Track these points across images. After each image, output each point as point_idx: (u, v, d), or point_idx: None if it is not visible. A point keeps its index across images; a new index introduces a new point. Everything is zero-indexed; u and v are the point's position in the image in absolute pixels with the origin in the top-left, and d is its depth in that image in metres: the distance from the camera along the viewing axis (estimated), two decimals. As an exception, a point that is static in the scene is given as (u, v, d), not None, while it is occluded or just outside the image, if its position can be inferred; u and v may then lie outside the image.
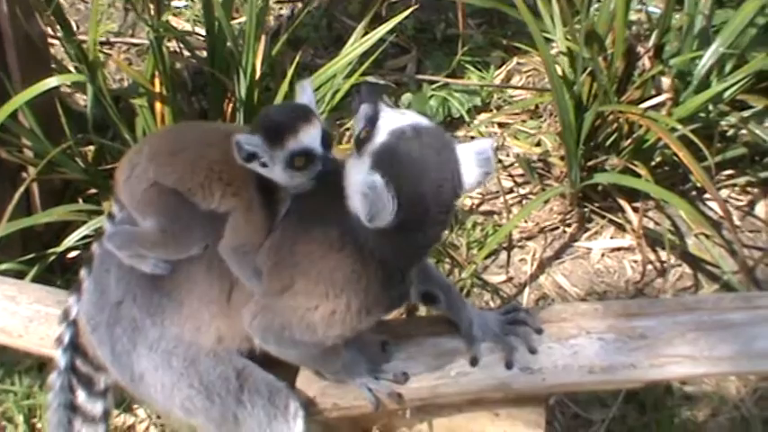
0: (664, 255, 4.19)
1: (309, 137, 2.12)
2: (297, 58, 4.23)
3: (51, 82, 3.68)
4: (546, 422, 2.59)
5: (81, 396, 2.57)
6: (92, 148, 4.19)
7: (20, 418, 3.74)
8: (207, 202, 2.25)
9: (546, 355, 2.45)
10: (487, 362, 2.45)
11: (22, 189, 3.61)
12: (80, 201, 4.03)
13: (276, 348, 2.29)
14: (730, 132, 4.40)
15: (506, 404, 2.54)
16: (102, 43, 5.02)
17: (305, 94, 2.23)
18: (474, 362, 2.45)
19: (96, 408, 2.59)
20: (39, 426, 3.75)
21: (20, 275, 3.57)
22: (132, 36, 5.21)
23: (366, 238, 2.09)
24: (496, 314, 2.57)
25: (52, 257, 3.87)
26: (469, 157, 2.04)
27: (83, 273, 2.54)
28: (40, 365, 3.79)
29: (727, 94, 4.16)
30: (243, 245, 2.22)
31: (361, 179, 1.97)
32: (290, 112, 2.18)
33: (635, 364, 2.43)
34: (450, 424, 2.57)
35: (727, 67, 4.21)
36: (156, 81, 3.92)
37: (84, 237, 3.76)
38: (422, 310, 3.29)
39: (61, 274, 3.95)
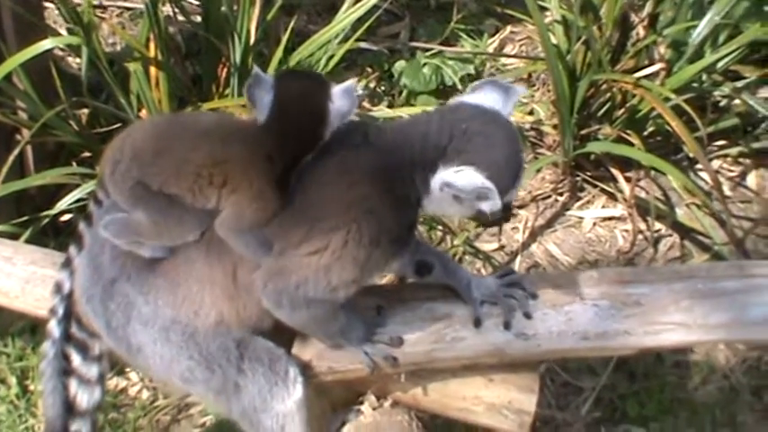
0: (655, 225, 4.20)
1: None
2: (291, 24, 4.22)
3: (46, 44, 3.65)
4: (537, 388, 2.61)
5: (76, 360, 2.57)
6: (86, 111, 4.19)
7: (13, 380, 3.76)
8: (200, 203, 2.24)
9: (541, 321, 2.46)
10: (483, 327, 2.46)
11: (16, 151, 3.61)
12: (74, 164, 4.02)
13: (289, 311, 2.28)
14: (723, 103, 4.41)
15: (501, 369, 2.55)
16: (94, 7, 4.98)
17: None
18: (477, 323, 2.46)
19: (92, 371, 2.59)
20: (32, 387, 3.76)
21: (13, 238, 3.56)
22: (126, 0, 5.17)
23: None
24: (492, 277, 2.58)
25: (45, 220, 3.87)
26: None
27: (72, 250, 2.55)
28: (33, 328, 3.81)
29: (720, 64, 4.19)
30: (249, 227, 2.22)
31: None
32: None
33: (629, 331, 2.44)
34: (444, 388, 2.59)
35: (721, 38, 4.22)
36: (151, 45, 3.91)
37: (78, 200, 3.76)
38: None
39: (54, 237, 3.95)
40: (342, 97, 2.25)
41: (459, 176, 2.10)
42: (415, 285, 2.62)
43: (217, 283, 2.30)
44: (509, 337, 2.45)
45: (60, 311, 2.57)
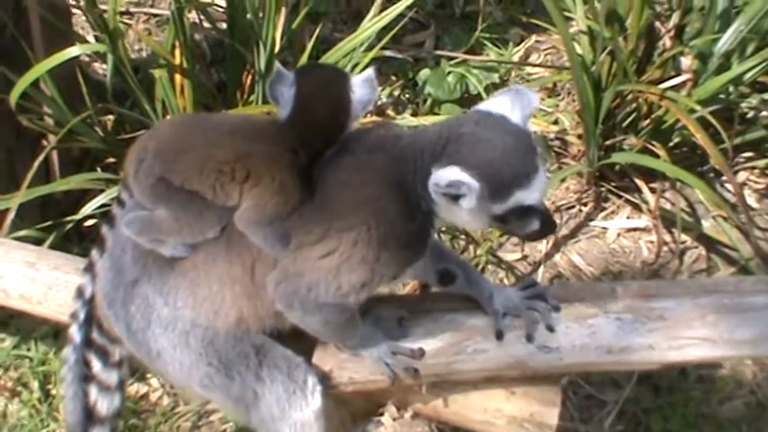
0: (681, 236, 4.17)
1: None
2: (316, 32, 4.22)
3: (73, 51, 3.66)
4: (559, 402, 2.59)
5: (96, 366, 2.59)
6: (111, 117, 4.21)
7: (35, 384, 3.77)
8: (221, 200, 2.25)
9: (563, 335, 2.45)
10: (505, 339, 2.45)
11: (41, 157, 3.62)
12: (98, 169, 4.03)
13: (300, 314, 2.29)
14: (750, 114, 4.38)
15: (522, 382, 2.54)
16: (121, 13, 5.01)
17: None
18: (499, 335, 2.46)
19: (112, 377, 2.61)
20: (53, 392, 3.77)
21: (38, 242, 3.57)
22: (152, 6, 5.20)
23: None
24: (515, 289, 2.57)
25: (69, 225, 3.88)
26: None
27: (94, 254, 2.56)
28: (56, 332, 3.82)
29: (747, 76, 4.13)
30: (269, 221, 2.22)
31: None
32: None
33: (653, 346, 2.43)
34: (465, 400, 2.58)
35: (749, 49, 4.18)
36: (177, 52, 3.92)
37: (102, 205, 3.77)
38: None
39: (78, 242, 3.97)
40: (362, 86, 2.31)
41: (441, 174, 2.11)
42: (438, 296, 2.62)
43: (237, 280, 2.31)
44: (531, 350, 2.45)
45: (82, 316, 2.59)
